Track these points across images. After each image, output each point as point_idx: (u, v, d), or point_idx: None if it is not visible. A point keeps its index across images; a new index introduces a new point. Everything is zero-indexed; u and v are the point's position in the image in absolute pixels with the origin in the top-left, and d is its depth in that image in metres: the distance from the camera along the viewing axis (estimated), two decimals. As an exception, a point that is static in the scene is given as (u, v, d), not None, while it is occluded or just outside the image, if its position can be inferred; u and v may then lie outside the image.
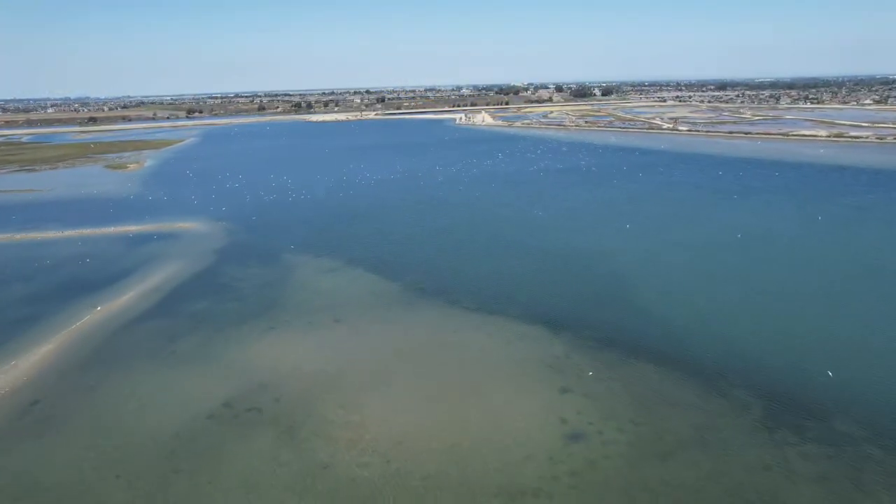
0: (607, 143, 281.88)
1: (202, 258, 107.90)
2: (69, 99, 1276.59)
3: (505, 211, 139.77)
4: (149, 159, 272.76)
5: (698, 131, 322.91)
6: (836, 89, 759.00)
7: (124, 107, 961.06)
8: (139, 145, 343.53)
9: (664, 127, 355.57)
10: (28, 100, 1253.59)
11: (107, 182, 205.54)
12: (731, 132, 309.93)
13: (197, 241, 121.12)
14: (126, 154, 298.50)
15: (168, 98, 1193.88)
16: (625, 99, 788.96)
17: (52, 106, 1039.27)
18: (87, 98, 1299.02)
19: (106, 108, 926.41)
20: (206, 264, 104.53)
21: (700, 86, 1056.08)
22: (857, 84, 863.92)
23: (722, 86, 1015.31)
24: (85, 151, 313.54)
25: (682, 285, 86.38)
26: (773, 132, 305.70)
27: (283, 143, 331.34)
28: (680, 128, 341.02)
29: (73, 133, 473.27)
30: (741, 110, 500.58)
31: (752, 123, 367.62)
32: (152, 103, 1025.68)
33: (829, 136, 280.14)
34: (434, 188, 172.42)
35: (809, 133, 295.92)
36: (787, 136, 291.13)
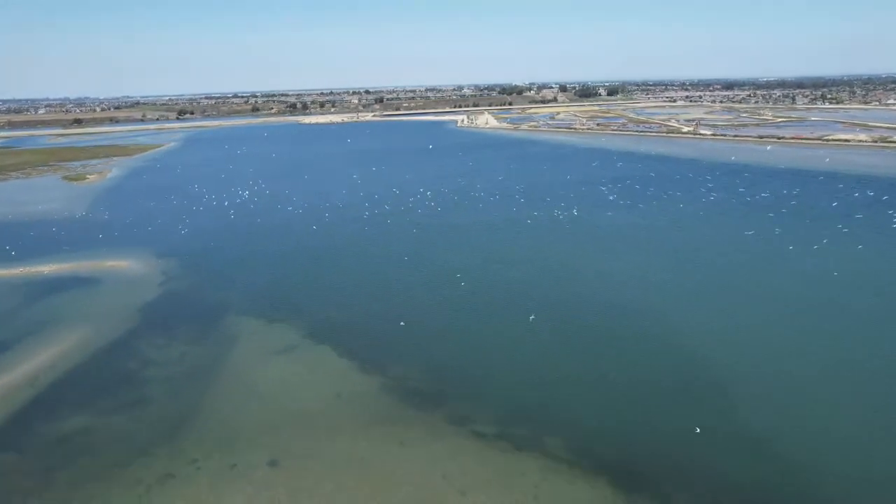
0: (626, 149, 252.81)
1: (117, 321, 79.17)
2: (68, 99, 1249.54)
3: (522, 245, 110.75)
4: (115, 168, 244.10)
5: (724, 135, 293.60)
6: (847, 88, 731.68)
7: (117, 107, 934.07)
8: (112, 151, 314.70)
9: (684, 130, 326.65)
10: (25, 100, 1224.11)
11: (55, 198, 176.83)
12: (761, 136, 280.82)
13: (122, 289, 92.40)
14: (93, 162, 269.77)
15: (166, 98, 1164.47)
16: (631, 99, 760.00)
17: (45, 106, 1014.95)
18: (86, 98, 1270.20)
19: (98, 109, 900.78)
20: (117, 333, 75.82)
21: (706, 85, 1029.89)
22: (866, 83, 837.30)
23: (729, 85, 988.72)
24: (49, 158, 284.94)
25: (813, 394, 57.16)
26: (806, 136, 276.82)
27: (266, 150, 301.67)
28: (702, 131, 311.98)
29: (51, 136, 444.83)
30: (760, 111, 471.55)
31: (777, 126, 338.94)
32: (145, 104, 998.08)
33: (874, 141, 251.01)
34: (434, 211, 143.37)
35: (849, 137, 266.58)
36: (826, 140, 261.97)
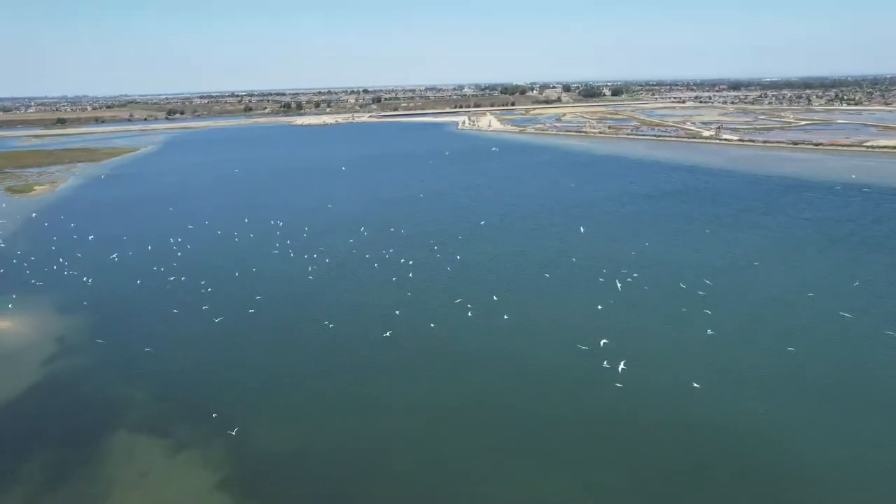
0: (648, 156, 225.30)
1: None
2: (65, 97, 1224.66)
3: (554, 313, 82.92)
4: (73, 177, 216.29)
5: (753, 141, 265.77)
6: (858, 89, 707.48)
7: (109, 107, 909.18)
8: (81, 155, 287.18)
9: (705, 135, 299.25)
10: (24, 98, 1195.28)
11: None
12: (794, 143, 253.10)
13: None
14: (54, 168, 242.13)
15: (163, 97, 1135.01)
16: (637, 99, 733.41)
17: (37, 105, 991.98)
18: (84, 97, 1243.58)
19: (89, 108, 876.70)
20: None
21: (711, 85, 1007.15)
22: (875, 83, 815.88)
23: (735, 85, 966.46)
24: (8, 164, 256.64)
25: None
26: (844, 142, 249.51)
27: (247, 156, 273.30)
28: (728, 137, 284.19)
29: (27, 137, 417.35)
30: (778, 113, 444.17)
31: (805, 130, 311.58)
32: (140, 103, 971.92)
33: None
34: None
35: (893, 144, 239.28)
36: (870, 148, 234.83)
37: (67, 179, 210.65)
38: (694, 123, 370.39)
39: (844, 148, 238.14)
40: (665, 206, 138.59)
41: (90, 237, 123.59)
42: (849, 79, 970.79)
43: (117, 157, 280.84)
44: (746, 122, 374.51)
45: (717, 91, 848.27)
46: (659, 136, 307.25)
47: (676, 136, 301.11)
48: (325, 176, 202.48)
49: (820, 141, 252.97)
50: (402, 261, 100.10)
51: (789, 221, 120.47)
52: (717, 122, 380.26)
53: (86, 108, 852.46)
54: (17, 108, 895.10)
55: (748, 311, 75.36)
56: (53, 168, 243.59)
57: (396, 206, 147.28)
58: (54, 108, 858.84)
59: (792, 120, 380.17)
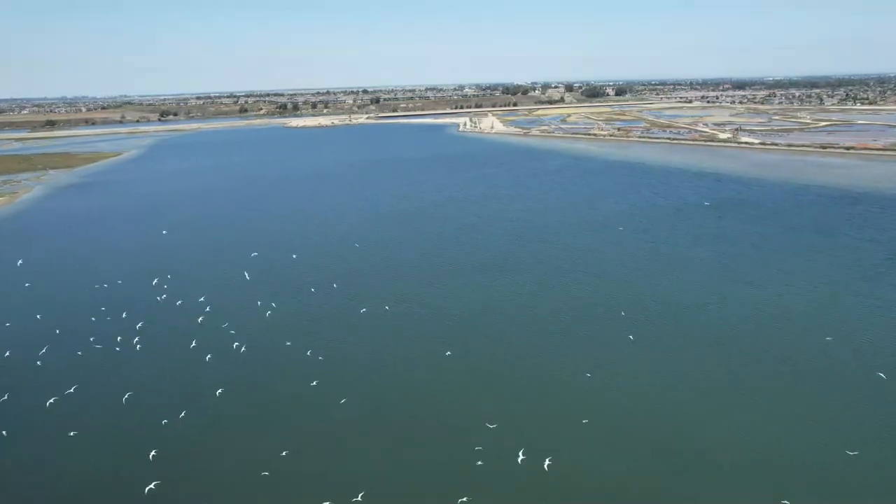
0: (667, 162, 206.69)
1: None
2: (65, 98, 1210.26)
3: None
4: (40, 186, 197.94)
5: (776, 144, 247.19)
6: (865, 88, 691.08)
7: (104, 108, 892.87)
8: (57, 161, 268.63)
9: (722, 137, 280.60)
10: (20, 99, 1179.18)
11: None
12: (823, 146, 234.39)
13: None
14: (22, 176, 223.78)
15: (161, 98, 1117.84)
16: (642, 99, 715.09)
17: (33, 106, 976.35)
18: (83, 98, 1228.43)
19: (84, 109, 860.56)
20: None
21: (716, 85, 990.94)
22: (882, 82, 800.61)
23: (741, 84, 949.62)
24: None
25: None
26: (876, 145, 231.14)
27: (231, 162, 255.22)
28: (748, 139, 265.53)
29: (8, 141, 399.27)
30: (793, 113, 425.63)
31: (827, 132, 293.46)
32: (137, 104, 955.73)
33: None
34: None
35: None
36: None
37: (33, 189, 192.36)
38: (706, 124, 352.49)
39: (878, 152, 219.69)
40: (700, 223, 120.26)
41: (37, 264, 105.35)
42: (853, 78, 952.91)
43: (94, 164, 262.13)
44: (761, 124, 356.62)
45: (722, 90, 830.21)
46: (672, 138, 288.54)
47: (691, 139, 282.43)
48: (300, 186, 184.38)
49: (850, 144, 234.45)
50: (388, 307, 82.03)
51: (851, 244, 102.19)
52: (731, 122, 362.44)
53: (80, 110, 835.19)
54: (12, 110, 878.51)
55: (849, 398, 56.63)
56: (22, 175, 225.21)
57: (390, 225, 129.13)
58: (48, 110, 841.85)
59: (809, 121, 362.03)
